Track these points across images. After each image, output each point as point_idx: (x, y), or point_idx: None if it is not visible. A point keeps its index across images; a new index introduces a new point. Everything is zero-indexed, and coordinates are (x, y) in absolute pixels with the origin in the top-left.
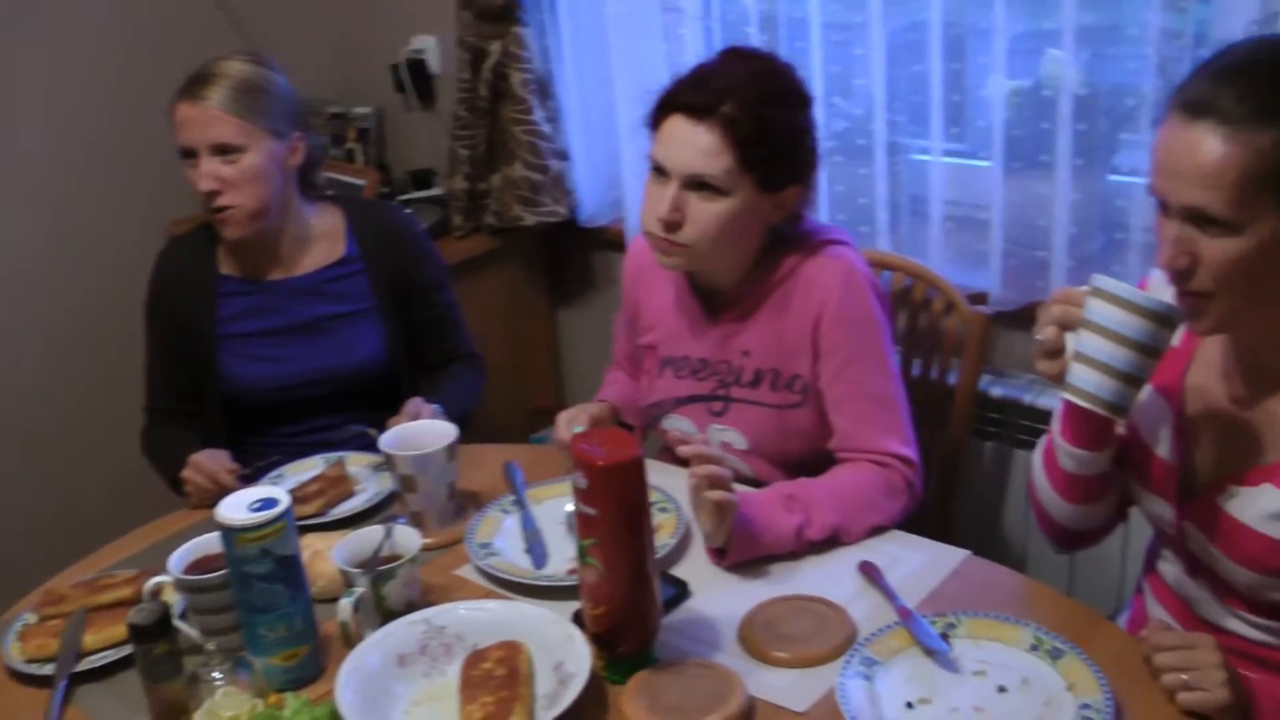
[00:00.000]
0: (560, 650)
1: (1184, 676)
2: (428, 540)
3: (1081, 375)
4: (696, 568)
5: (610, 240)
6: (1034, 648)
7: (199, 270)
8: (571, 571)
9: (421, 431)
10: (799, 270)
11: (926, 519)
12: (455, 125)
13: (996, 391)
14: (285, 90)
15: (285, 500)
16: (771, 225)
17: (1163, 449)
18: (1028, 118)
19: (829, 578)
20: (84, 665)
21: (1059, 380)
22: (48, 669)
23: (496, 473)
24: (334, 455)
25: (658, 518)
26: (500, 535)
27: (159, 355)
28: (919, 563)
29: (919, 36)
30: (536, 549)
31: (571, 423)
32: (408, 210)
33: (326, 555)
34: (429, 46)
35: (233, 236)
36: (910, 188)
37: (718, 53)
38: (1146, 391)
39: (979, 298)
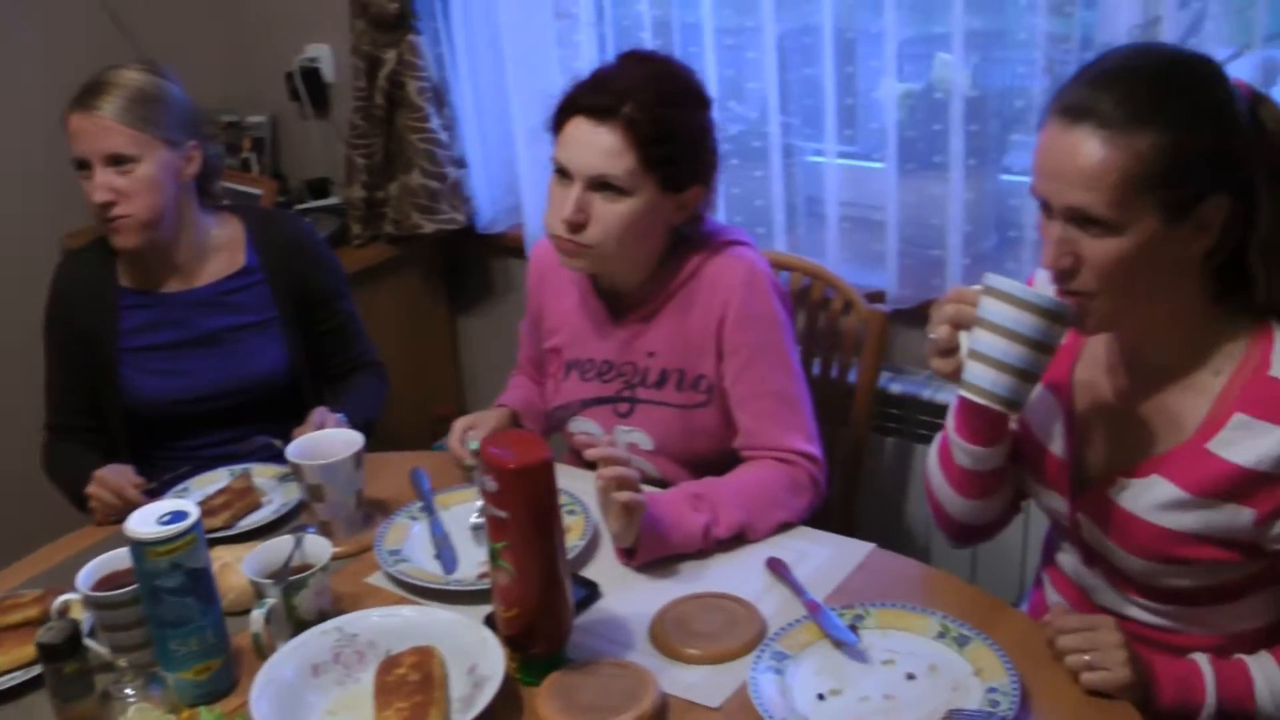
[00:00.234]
0: (474, 653)
1: (1086, 657)
2: (337, 549)
3: (977, 372)
4: (606, 569)
5: (509, 246)
6: (941, 635)
7: (98, 284)
8: (482, 576)
9: (327, 440)
10: (702, 271)
11: (831, 515)
12: (352, 134)
13: (896, 388)
14: (180, 99)
15: (195, 513)
16: (674, 226)
17: (1054, 444)
18: (920, 119)
19: (737, 575)
20: None
21: (953, 378)
22: None
23: (402, 480)
24: (239, 467)
25: (566, 520)
26: (409, 541)
27: (59, 371)
28: (825, 557)
29: (811, 40)
30: (446, 554)
31: (466, 433)
32: (307, 219)
33: (236, 567)
34: (323, 55)
35: (125, 246)
36: (806, 189)
37: (618, 56)
38: (1037, 389)
39: (876, 296)
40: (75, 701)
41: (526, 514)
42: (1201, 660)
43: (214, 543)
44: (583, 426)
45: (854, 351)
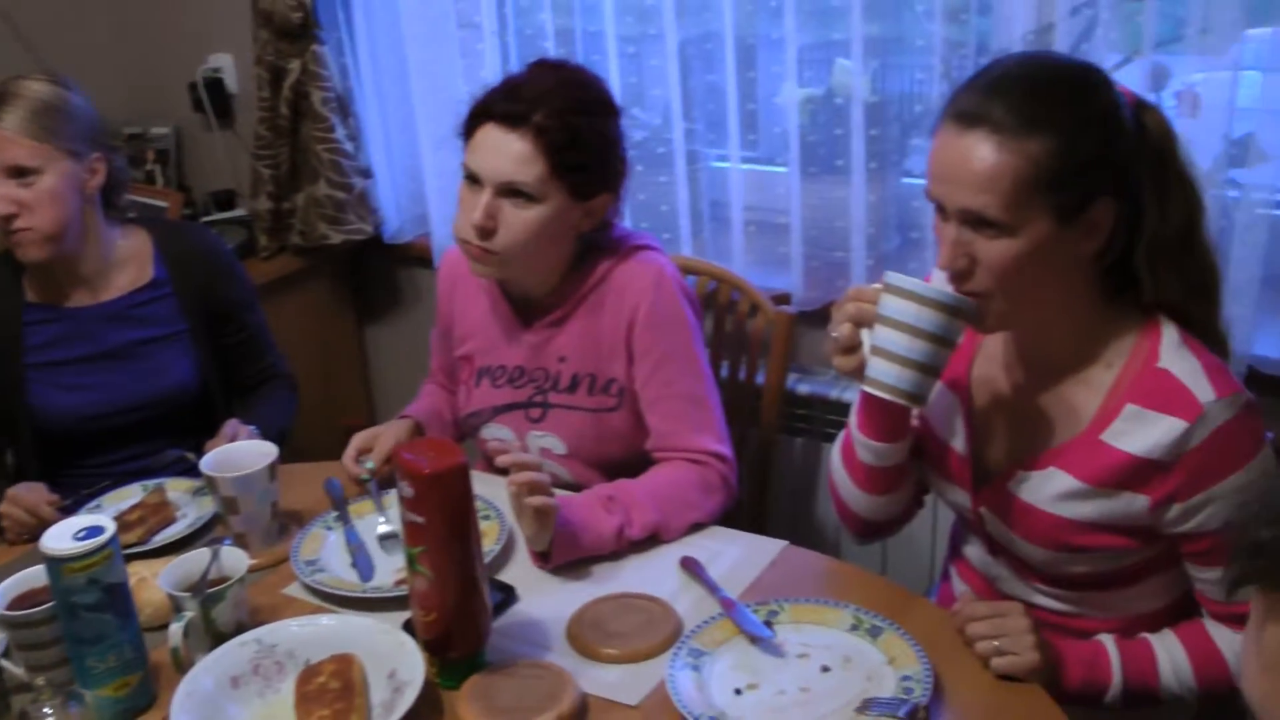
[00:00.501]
0: (393, 659)
1: (996, 643)
2: (254, 561)
3: (880, 368)
4: (522, 572)
5: (416, 256)
6: (854, 627)
7: (4, 299)
8: (399, 582)
9: (241, 453)
10: (611, 275)
11: (742, 514)
12: (257, 144)
13: (804, 388)
14: (83, 110)
15: (111, 527)
16: (582, 233)
17: (955, 440)
18: (821, 124)
19: (652, 575)
20: None
21: (856, 375)
22: None
23: (316, 491)
24: (152, 482)
25: (481, 525)
26: (325, 551)
27: None
28: (738, 555)
29: (713, 47)
30: (363, 562)
31: (362, 450)
32: (214, 231)
33: (152, 582)
34: (226, 65)
35: (28, 259)
36: (710, 194)
37: (528, 64)
38: (938, 384)
39: (782, 298)
40: None
41: (443, 518)
42: (1107, 641)
43: (130, 558)
44: (495, 433)
45: (761, 353)
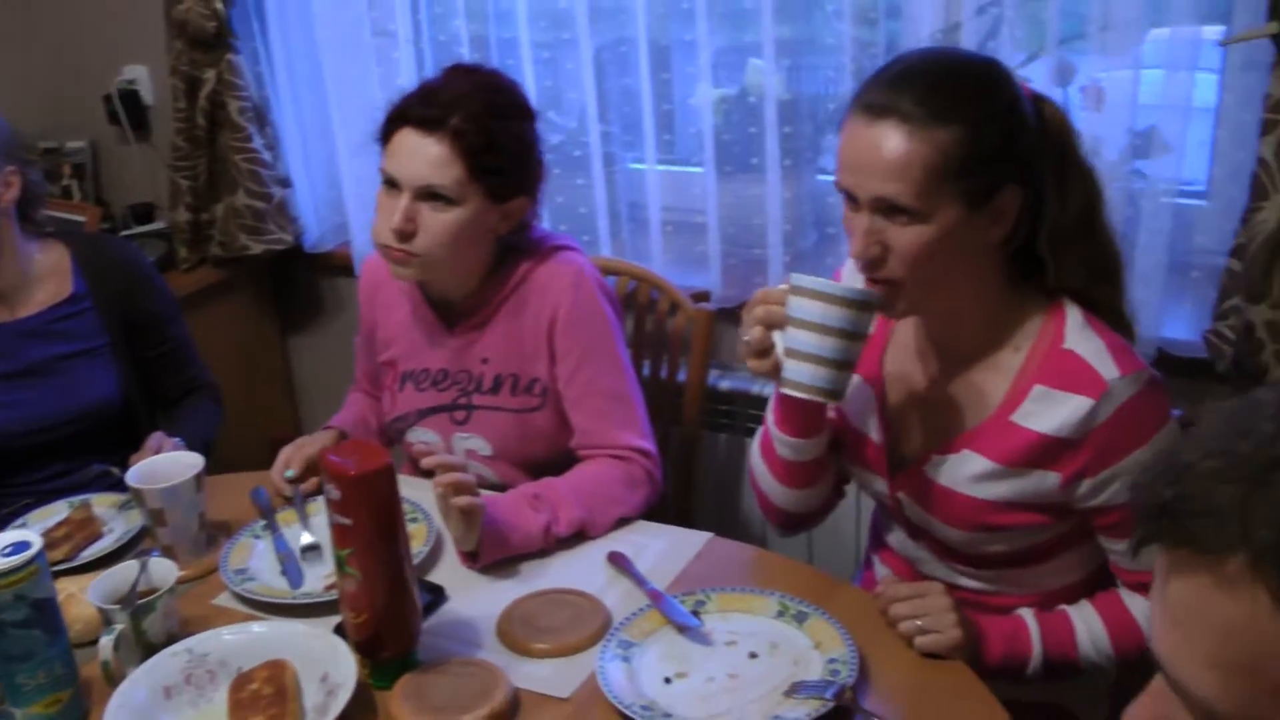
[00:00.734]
0: (325, 662)
1: (919, 622)
2: (183, 572)
3: (795, 369)
4: (450, 573)
5: (338, 264)
6: (780, 614)
7: None
8: (330, 587)
9: (166, 465)
10: (531, 276)
11: (667, 511)
12: (174, 156)
13: (725, 385)
14: None
15: (38, 542)
16: (501, 235)
17: (871, 430)
18: (735, 124)
19: (580, 570)
20: None
21: (771, 376)
22: None
23: (243, 501)
24: (78, 498)
25: (409, 528)
26: (254, 559)
27: None
28: (665, 548)
29: (627, 50)
30: (292, 569)
31: (288, 465)
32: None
33: (81, 597)
34: (141, 76)
35: None
36: (628, 196)
37: (444, 69)
38: (855, 376)
39: (701, 296)
40: None
41: (370, 520)
42: (1027, 614)
43: (57, 575)
44: (421, 436)
45: (682, 351)
